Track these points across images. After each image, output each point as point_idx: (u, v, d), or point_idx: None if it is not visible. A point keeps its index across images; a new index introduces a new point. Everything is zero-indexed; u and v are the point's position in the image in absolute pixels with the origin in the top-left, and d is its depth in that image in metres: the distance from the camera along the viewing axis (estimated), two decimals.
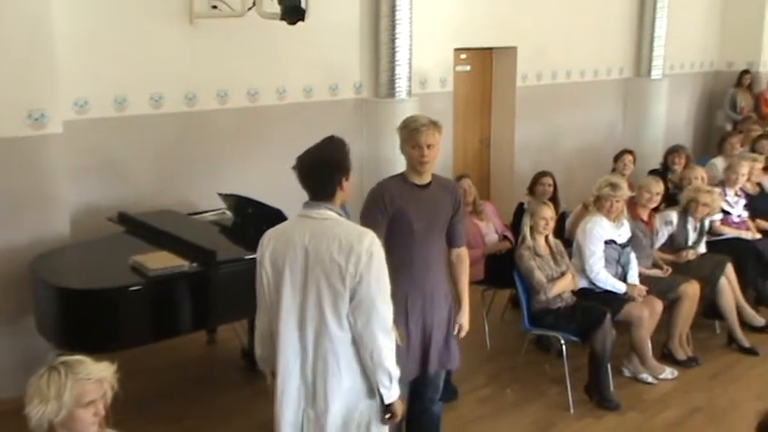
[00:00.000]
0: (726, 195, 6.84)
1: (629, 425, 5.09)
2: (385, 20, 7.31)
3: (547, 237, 5.42)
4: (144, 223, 5.23)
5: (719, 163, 7.85)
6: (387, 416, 3.22)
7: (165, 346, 4.92)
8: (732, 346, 6.20)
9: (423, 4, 7.53)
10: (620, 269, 5.61)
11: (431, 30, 7.83)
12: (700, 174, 6.86)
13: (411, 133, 3.93)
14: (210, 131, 6.52)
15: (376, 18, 7.37)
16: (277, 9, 5.72)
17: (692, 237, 6.29)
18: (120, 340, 4.25)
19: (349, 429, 3.19)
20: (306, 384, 3.14)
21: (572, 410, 5.22)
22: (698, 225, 6.31)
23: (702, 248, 6.36)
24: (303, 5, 5.73)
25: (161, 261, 4.46)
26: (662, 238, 6.24)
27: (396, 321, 3.23)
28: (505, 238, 6.40)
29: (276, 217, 4.92)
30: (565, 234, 6.39)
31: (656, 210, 6.28)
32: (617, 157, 7.57)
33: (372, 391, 3.17)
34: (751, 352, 6.09)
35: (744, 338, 6.16)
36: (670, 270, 6.00)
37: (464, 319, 4.17)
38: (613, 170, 7.71)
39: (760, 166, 7.34)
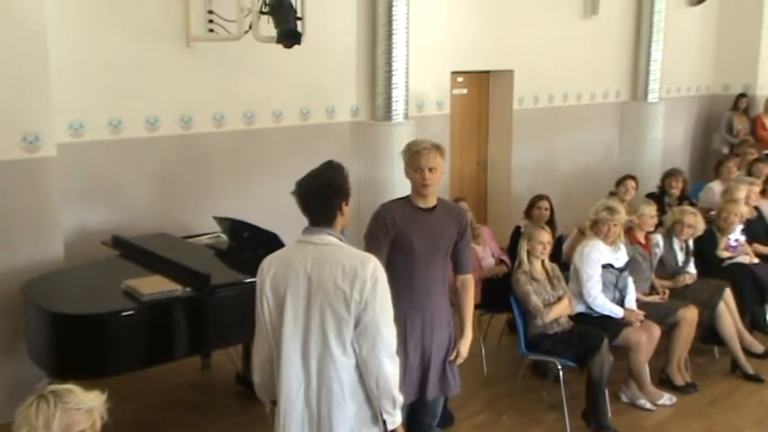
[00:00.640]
0: None
1: None
2: (382, 43, 7.32)
3: (543, 261, 5.39)
4: (138, 247, 5.20)
5: (717, 187, 7.84)
6: None
7: (157, 370, 4.85)
8: (736, 372, 6.14)
9: (419, 27, 7.55)
10: (617, 294, 5.58)
11: (427, 53, 7.85)
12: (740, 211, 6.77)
13: (413, 156, 3.95)
14: (206, 154, 6.50)
15: (373, 41, 7.39)
16: (273, 33, 5.71)
17: (680, 257, 6.28)
18: (113, 366, 4.19)
19: None
20: (310, 412, 3.10)
21: None
22: (683, 245, 6.31)
23: (692, 268, 6.34)
24: (299, 29, 5.73)
25: (155, 285, 4.41)
26: (654, 262, 6.22)
27: None
28: (502, 261, 6.37)
29: (272, 241, 4.90)
30: (562, 258, 6.35)
31: (652, 232, 6.26)
32: (619, 182, 7.56)
33: (376, 417, 3.13)
34: (755, 379, 6.04)
35: (747, 365, 6.11)
36: (667, 293, 5.97)
37: (464, 346, 4.13)
38: (611, 194, 7.70)
39: (757, 189, 7.33)
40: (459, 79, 8.84)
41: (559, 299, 5.32)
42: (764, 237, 7.26)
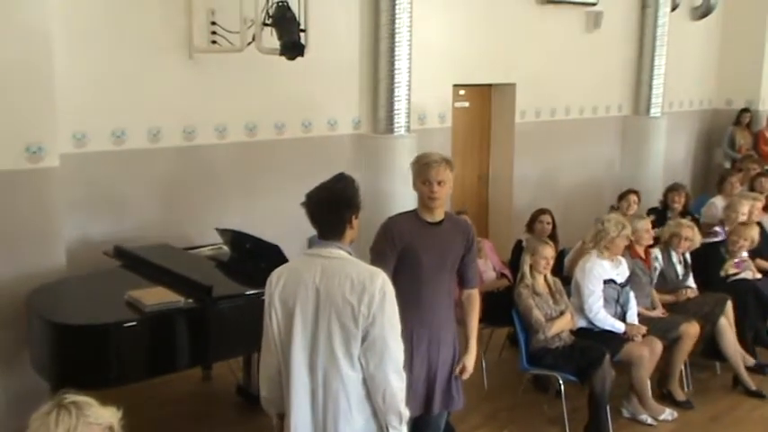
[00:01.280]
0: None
1: None
2: (384, 56, 7.33)
3: (546, 275, 5.39)
4: (140, 257, 5.20)
5: (719, 202, 7.83)
6: None
7: (158, 381, 4.84)
8: (738, 388, 6.13)
9: (422, 40, 7.56)
10: (619, 309, 5.58)
11: (429, 66, 7.85)
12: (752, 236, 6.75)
13: (422, 168, 3.95)
14: (208, 166, 6.51)
15: (375, 54, 7.40)
16: (276, 44, 5.73)
17: (679, 270, 6.29)
18: (116, 376, 4.18)
19: None
20: (317, 425, 3.08)
21: None
22: (681, 258, 6.32)
23: (692, 282, 6.34)
24: (302, 41, 5.74)
25: (157, 296, 4.41)
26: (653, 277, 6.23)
27: None
28: (503, 275, 6.36)
29: (273, 253, 4.91)
30: (563, 272, 6.35)
31: (651, 247, 6.25)
32: (621, 197, 7.55)
33: (381, 430, 3.12)
34: (757, 395, 6.02)
35: (749, 381, 6.09)
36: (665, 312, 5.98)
37: (469, 360, 4.13)
38: (612, 208, 7.71)
39: (760, 205, 7.32)
40: (461, 92, 8.85)
41: (561, 313, 5.32)
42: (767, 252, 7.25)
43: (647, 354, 5.43)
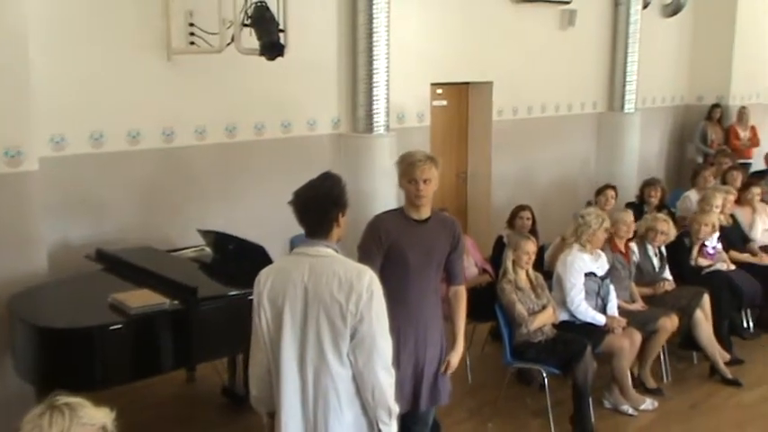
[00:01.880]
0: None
1: None
2: (362, 55, 7.36)
3: (528, 270, 5.44)
4: (122, 260, 5.18)
5: (693, 195, 7.96)
6: None
7: (142, 384, 4.85)
8: (715, 377, 6.23)
9: (399, 40, 7.60)
10: (599, 301, 5.65)
11: (407, 65, 7.89)
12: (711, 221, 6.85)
13: (408, 167, 3.97)
14: (188, 168, 6.50)
15: (353, 54, 7.43)
16: (256, 45, 5.74)
17: (655, 262, 6.39)
18: (101, 379, 4.17)
19: None
20: (307, 422, 3.11)
21: None
22: (657, 251, 6.41)
23: (668, 274, 6.43)
24: (282, 41, 5.76)
25: (142, 299, 4.40)
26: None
27: None
28: (485, 271, 6.41)
29: (258, 254, 4.91)
30: (544, 267, 6.42)
31: (630, 241, 6.34)
32: (599, 192, 7.63)
33: (372, 427, 3.15)
34: (734, 383, 6.13)
35: (726, 370, 6.21)
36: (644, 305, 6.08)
37: (455, 357, 4.17)
38: (589, 203, 7.79)
39: (732, 198, 7.45)
40: (439, 91, 8.90)
41: (543, 307, 5.39)
42: (741, 244, 7.38)
43: (627, 345, 5.51)
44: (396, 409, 3.15)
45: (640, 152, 10.95)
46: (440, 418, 5.26)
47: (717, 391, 6.05)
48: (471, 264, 6.33)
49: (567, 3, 9.73)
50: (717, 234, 6.91)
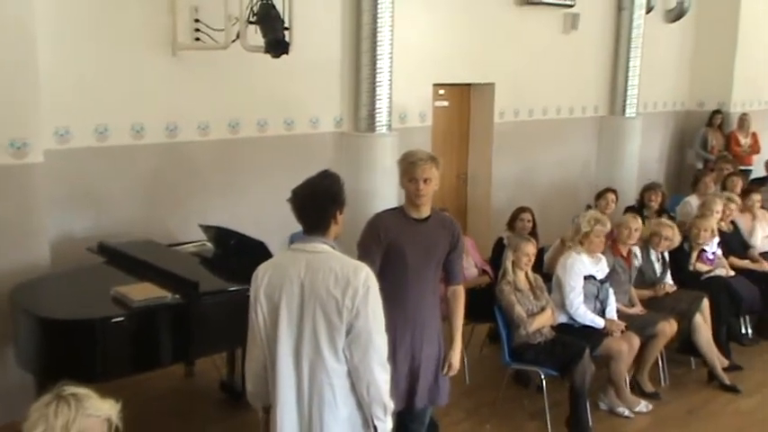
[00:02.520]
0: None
1: None
2: (366, 55, 7.38)
3: (527, 272, 5.46)
4: (124, 254, 5.19)
5: (694, 201, 7.97)
6: None
7: (140, 378, 4.85)
8: (713, 383, 6.25)
9: (403, 40, 7.62)
10: (598, 304, 5.67)
11: (410, 65, 7.91)
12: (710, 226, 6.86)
13: (408, 166, 3.99)
14: (191, 163, 6.52)
15: (357, 53, 7.45)
16: (261, 42, 5.76)
17: (657, 268, 6.40)
18: (102, 372, 4.18)
19: None
20: (302, 417, 3.13)
21: None
22: (659, 257, 6.42)
23: (669, 280, 6.45)
24: (287, 39, 5.77)
25: (144, 292, 4.42)
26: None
27: None
28: (485, 272, 6.43)
29: (258, 249, 4.92)
30: (543, 269, 6.43)
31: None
32: (599, 195, 7.64)
33: (367, 423, 3.18)
34: (732, 389, 6.14)
35: (724, 376, 6.22)
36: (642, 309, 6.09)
37: (455, 357, 4.20)
38: (588, 207, 7.81)
39: (734, 206, 7.44)
40: (441, 92, 8.92)
41: (542, 309, 5.40)
42: (741, 250, 7.40)
43: (625, 349, 5.53)
44: (391, 405, 3.18)
45: (640, 157, 10.97)
46: (437, 418, 5.29)
47: (715, 398, 6.06)
48: (471, 264, 6.35)
49: (571, 6, 9.75)
50: (716, 240, 6.94)
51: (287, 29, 5.81)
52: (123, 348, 4.26)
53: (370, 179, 7.33)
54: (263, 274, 3.17)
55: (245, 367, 3.35)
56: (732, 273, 6.95)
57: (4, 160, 4.98)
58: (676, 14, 11.59)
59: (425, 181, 3.96)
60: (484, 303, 5.72)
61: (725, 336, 6.64)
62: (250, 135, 6.91)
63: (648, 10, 10.72)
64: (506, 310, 5.37)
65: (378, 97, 7.43)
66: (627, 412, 5.66)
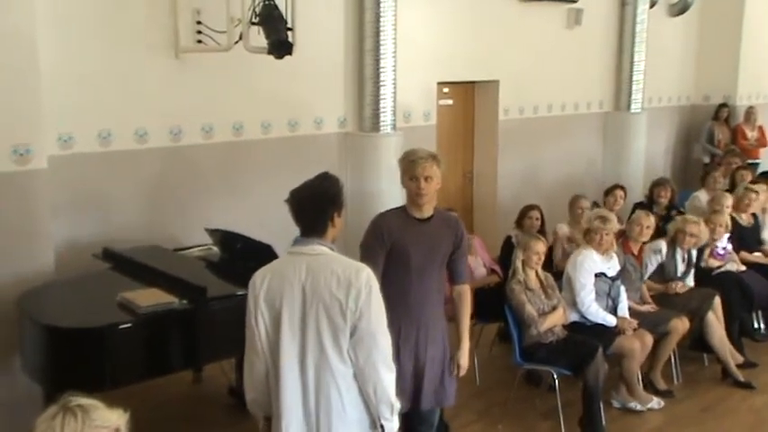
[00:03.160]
0: None
1: None
2: (369, 54, 7.33)
3: (537, 270, 5.40)
4: (130, 259, 5.15)
5: (703, 196, 7.91)
6: None
7: (148, 384, 4.79)
8: (727, 380, 6.18)
9: (406, 38, 7.57)
10: (610, 302, 5.61)
11: (414, 64, 7.85)
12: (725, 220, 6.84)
13: (409, 165, 3.95)
14: (195, 166, 6.47)
15: (360, 52, 7.39)
16: (264, 43, 5.70)
17: (680, 267, 6.31)
18: (111, 380, 4.14)
19: None
20: (309, 423, 3.09)
21: None
22: (686, 256, 6.34)
23: (690, 281, 6.38)
24: (291, 40, 5.72)
25: (151, 298, 4.37)
26: (651, 267, 6.27)
27: None
28: (493, 271, 6.37)
29: (266, 253, 4.86)
30: (553, 267, 6.37)
31: (646, 243, 6.29)
32: (608, 192, 7.59)
33: (374, 423, 3.14)
34: (747, 386, 6.08)
35: (738, 372, 6.16)
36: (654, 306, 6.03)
37: (463, 358, 4.15)
38: (595, 204, 7.75)
39: (755, 196, 7.34)
40: (445, 90, 8.86)
41: (554, 308, 5.34)
42: (755, 245, 7.32)
43: (638, 347, 5.47)
44: (398, 404, 3.16)
45: (646, 152, 10.89)
46: (448, 420, 5.25)
47: (729, 395, 5.99)
48: (479, 264, 6.30)
49: (574, 2, 9.68)
50: (727, 235, 6.87)
51: (290, 29, 5.76)
52: (131, 355, 4.21)
53: (375, 179, 7.29)
54: (261, 281, 3.12)
55: (245, 376, 3.29)
56: (743, 267, 6.88)
57: (7, 167, 4.93)
58: (680, 8, 11.51)
59: (426, 179, 3.91)
60: (493, 303, 5.68)
61: (737, 332, 6.57)
62: (254, 137, 6.87)
63: (652, 4, 10.65)
64: (517, 310, 5.31)
65: (382, 97, 7.38)
66: (639, 407, 5.63)
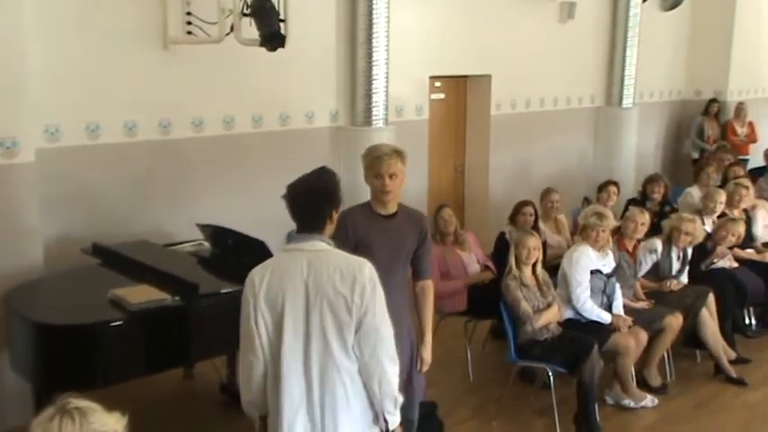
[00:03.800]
0: (703, 225, 6.85)
1: None
2: (361, 48, 7.26)
3: (534, 267, 5.36)
4: (120, 254, 5.06)
5: (695, 192, 7.89)
6: None
7: (139, 382, 4.72)
8: (719, 376, 6.17)
9: (398, 31, 7.50)
10: (605, 299, 5.58)
11: (406, 58, 7.80)
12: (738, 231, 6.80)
13: (373, 162, 3.87)
14: (185, 160, 6.39)
15: (352, 46, 7.32)
16: (255, 35, 5.62)
17: (675, 265, 6.28)
18: (102, 377, 4.07)
19: None
20: (313, 420, 3.03)
21: None
22: (681, 254, 6.31)
23: (685, 279, 6.36)
24: (283, 32, 5.64)
25: (142, 295, 4.30)
26: (646, 266, 6.24)
27: None
28: (487, 267, 6.32)
29: (258, 248, 4.80)
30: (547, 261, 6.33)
31: (640, 240, 6.26)
32: (601, 188, 7.56)
33: (377, 417, 3.11)
34: (739, 382, 6.07)
35: (730, 369, 6.15)
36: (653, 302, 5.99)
37: (426, 352, 4.11)
38: (587, 201, 7.73)
39: (744, 192, 7.33)
40: (437, 84, 8.81)
41: (549, 305, 5.30)
42: (747, 241, 7.30)
43: (633, 344, 5.45)
44: (400, 398, 3.13)
45: (637, 147, 10.90)
46: (443, 417, 5.21)
47: (723, 391, 5.99)
48: (473, 260, 6.25)
49: None
50: None
51: (282, 21, 5.68)
52: (123, 353, 4.13)
53: None
54: (260, 280, 3.03)
55: (240, 377, 3.22)
56: (736, 264, 6.87)
57: None
58: (672, 3, 11.48)
59: (391, 176, 3.83)
60: (487, 299, 5.63)
61: (731, 328, 6.56)
62: (245, 131, 6.79)
63: None
64: (512, 306, 5.27)
65: (374, 90, 7.32)
66: (632, 404, 5.60)
